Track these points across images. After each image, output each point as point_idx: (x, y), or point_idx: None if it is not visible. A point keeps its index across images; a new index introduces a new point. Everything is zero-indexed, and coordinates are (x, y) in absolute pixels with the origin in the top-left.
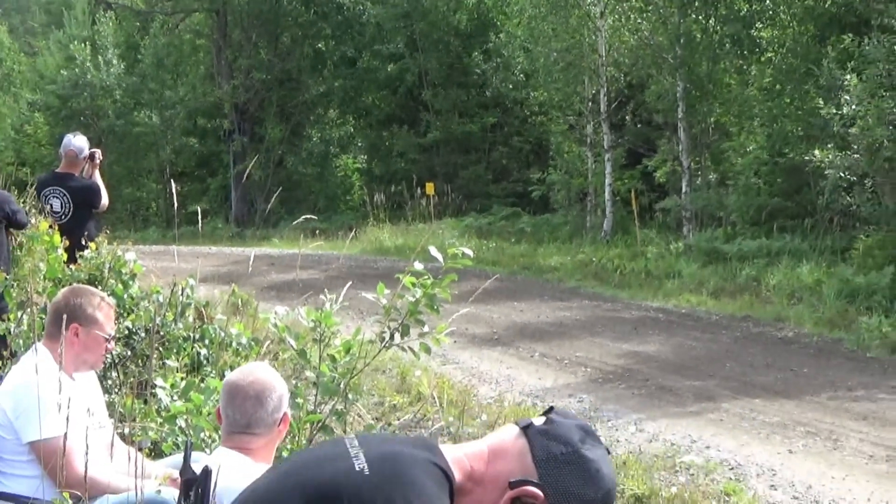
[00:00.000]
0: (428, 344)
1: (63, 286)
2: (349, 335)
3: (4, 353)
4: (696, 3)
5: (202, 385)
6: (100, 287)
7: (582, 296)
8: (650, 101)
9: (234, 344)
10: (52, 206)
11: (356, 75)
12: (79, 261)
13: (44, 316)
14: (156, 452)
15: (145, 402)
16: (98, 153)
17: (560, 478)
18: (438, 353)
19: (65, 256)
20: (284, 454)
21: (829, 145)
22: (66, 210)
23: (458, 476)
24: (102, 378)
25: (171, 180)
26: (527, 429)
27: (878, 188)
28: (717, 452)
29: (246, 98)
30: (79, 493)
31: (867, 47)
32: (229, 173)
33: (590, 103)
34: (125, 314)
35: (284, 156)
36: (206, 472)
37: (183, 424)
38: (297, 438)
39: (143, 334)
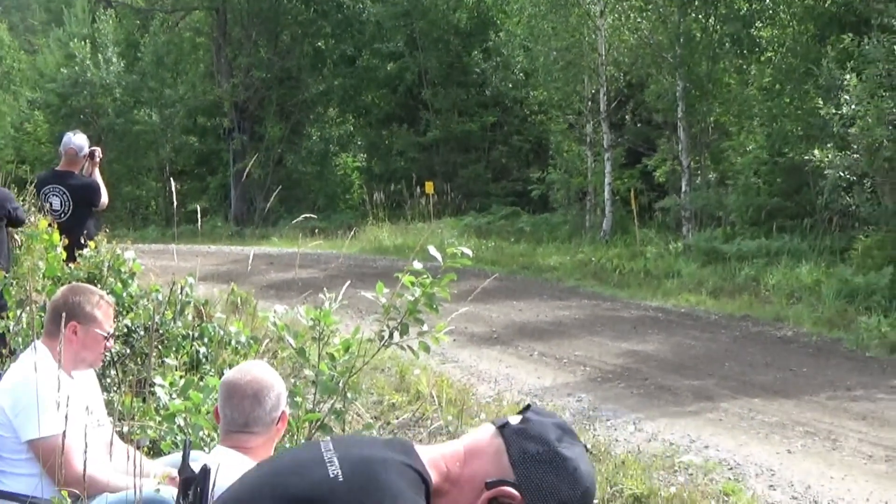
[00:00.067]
0: (427, 343)
1: (62, 284)
2: (348, 334)
3: (3, 350)
4: (696, 3)
5: (201, 383)
6: (99, 285)
7: (581, 295)
8: (650, 101)
9: (233, 342)
10: (51, 204)
11: (356, 74)
12: (78, 259)
13: (43, 314)
14: (154, 451)
15: (144, 400)
16: (98, 151)
17: (537, 477)
18: (437, 351)
19: (64, 255)
20: None
21: (829, 145)
22: (66, 208)
23: (434, 478)
24: (101, 376)
25: (171, 179)
26: (503, 428)
27: (877, 188)
28: (715, 452)
29: (246, 96)
30: (77, 492)
31: (867, 47)
32: (229, 172)
33: (589, 102)
34: (124, 312)
35: (284, 154)
36: (205, 470)
37: (182, 423)
38: (295, 437)
39: (142, 333)
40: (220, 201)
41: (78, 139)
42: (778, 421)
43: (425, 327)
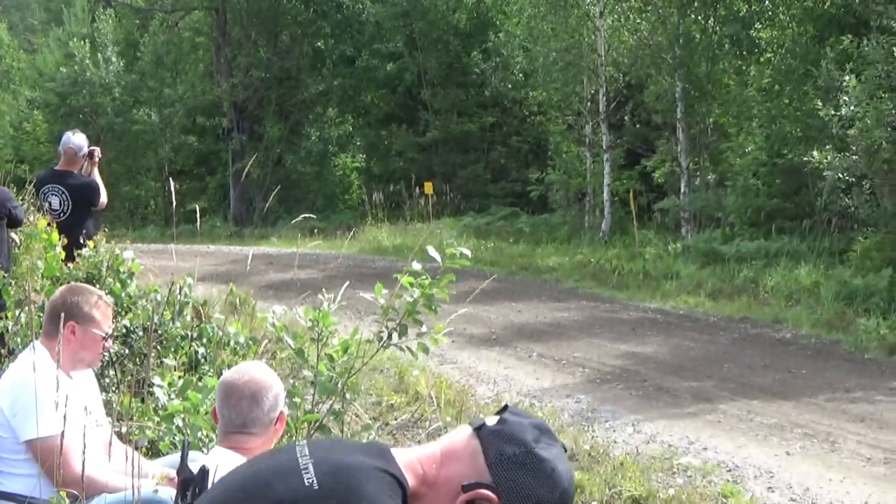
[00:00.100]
0: (426, 344)
1: (61, 284)
2: (347, 335)
3: (2, 351)
4: (696, 4)
5: (200, 384)
6: (98, 285)
7: (580, 296)
8: (649, 102)
9: (231, 343)
10: (50, 203)
11: (355, 74)
12: (77, 259)
13: (41, 314)
14: (153, 451)
15: (143, 400)
16: (97, 151)
17: (514, 479)
18: (436, 352)
19: (63, 254)
20: None
21: (828, 146)
22: (65, 208)
23: (411, 481)
24: (100, 376)
25: (170, 178)
26: (479, 429)
27: (876, 190)
28: (714, 454)
29: (245, 96)
30: (76, 492)
31: (866, 48)
32: (228, 172)
33: (589, 103)
34: (123, 313)
35: (283, 154)
36: (203, 471)
37: (180, 423)
38: (294, 438)
39: (140, 333)
40: (219, 201)
41: (77, 139)
42: (777, 423)
43: (424, 328)
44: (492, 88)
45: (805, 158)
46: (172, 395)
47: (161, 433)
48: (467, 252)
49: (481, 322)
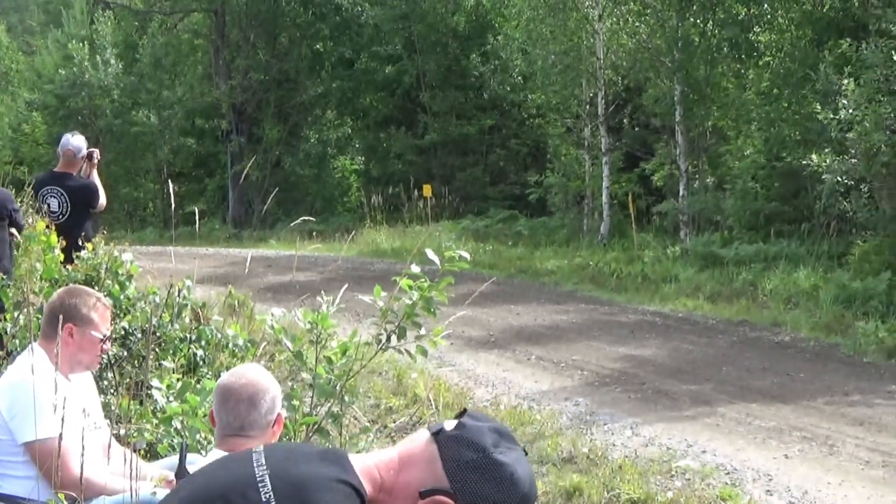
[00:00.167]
0: (424, 346)
1: (60, 286)
2: (346, 337)
3: (0, 353)
4: (694, 7)
5: (198, 386)
6: (96, 287)
7: (578, 299)
8: (648, 105)
9: (230, 345)
10: (49, 205)
11: (354, 76)
12: (76, 261)
13: (40, 316)
14: (151, 454)
15: (141, 403)
16: (96, 153)
17: (472, 485)
18: (435, 355)
19: (62, 256)
20: None
21: (827, 150)
22: (64, 210)
23: (368, 489)
24: (98, 379)
25: (169, 180)
26: (437, 434)
27: (875, 193)
28: (713, 457)
29: (244, 98)
30: (74, 495)
31: (865, 52)
32: (227, 174)
33: (587, 106)
34: (122, 315)
35: (282, 157)
36: None
37: (178, 426)
38: (292, 440)
39: (139, 335)
40: (218, 203)
41: (76, 140)
42: (775, 426)
43: (423, 331)
44: (490, 91)
45: (804, 162)
46: (171, 398)
47: (159, 435)
48: (466, 255)
49: (480, 325)
